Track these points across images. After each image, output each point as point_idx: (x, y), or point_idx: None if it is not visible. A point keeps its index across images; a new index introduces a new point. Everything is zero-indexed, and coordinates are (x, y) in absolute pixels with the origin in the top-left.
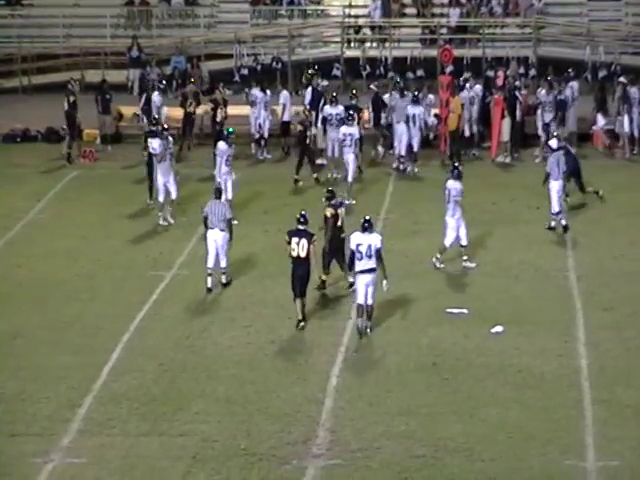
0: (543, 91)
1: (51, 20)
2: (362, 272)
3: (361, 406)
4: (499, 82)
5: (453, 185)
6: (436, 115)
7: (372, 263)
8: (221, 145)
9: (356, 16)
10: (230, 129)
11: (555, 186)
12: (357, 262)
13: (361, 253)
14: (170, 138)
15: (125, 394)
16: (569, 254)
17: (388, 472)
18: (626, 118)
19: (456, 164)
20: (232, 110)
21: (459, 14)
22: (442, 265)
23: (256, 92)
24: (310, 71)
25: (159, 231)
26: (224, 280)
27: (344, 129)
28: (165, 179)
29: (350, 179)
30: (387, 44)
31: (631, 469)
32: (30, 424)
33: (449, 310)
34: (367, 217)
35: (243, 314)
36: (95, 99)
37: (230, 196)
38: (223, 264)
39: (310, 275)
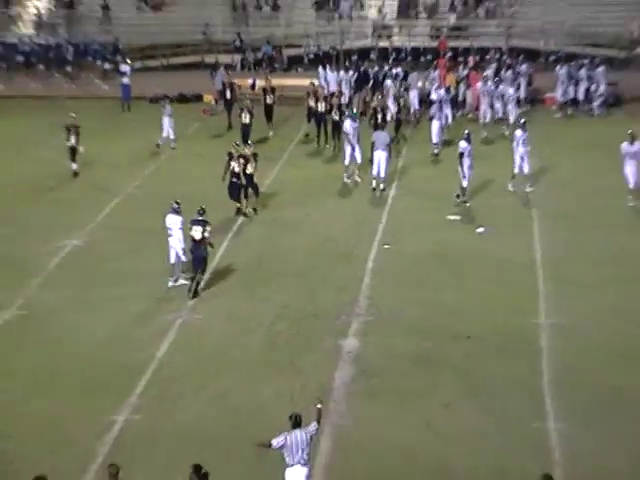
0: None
1: (181, 20)
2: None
3: (389, 281)
4: (470, 63)
5: None
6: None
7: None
8: (518, 132)
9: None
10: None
11: (436, 124)
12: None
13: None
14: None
15: (230, 272)
16: (532, 179)
17: (407, 326)
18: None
19: None
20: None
21: (455, 17)
22: None
23: (321, 71)
24: (354, 57)
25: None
26: (381, 187)
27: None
28: (352, 151)
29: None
30: (407, 38)
31: (573, 325)
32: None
33: (448, 217)
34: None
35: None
36: (210, 74)
37: (527, 169)
38: (382, 174)
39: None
